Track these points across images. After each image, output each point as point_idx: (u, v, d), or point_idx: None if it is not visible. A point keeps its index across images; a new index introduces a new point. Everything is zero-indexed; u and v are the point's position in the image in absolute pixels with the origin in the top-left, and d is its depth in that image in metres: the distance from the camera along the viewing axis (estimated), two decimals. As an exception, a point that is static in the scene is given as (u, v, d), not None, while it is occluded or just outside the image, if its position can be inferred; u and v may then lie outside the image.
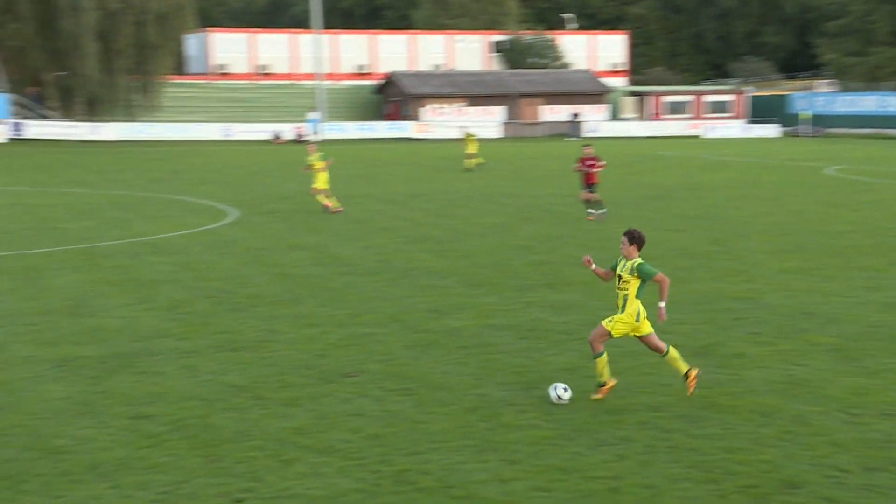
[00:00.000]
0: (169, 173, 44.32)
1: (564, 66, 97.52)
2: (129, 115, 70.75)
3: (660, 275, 10.59)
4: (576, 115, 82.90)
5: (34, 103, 68.33)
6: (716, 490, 8.39)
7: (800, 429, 9.82)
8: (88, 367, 12.29)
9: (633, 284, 10.63)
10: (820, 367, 12.10)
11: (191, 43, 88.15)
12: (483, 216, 28.29)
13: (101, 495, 8.37)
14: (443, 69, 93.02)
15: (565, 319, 14.90)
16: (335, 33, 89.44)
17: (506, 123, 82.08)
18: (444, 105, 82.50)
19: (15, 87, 66.63)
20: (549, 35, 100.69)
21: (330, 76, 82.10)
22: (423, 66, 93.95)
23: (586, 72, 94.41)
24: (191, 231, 25.11)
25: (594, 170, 26.46)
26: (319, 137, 72.49)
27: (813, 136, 79.87)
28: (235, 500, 8.28)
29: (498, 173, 44.79)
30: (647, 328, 10.72)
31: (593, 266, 11.03)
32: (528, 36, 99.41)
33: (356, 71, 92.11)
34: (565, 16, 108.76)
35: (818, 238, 23.16)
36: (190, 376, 11.89)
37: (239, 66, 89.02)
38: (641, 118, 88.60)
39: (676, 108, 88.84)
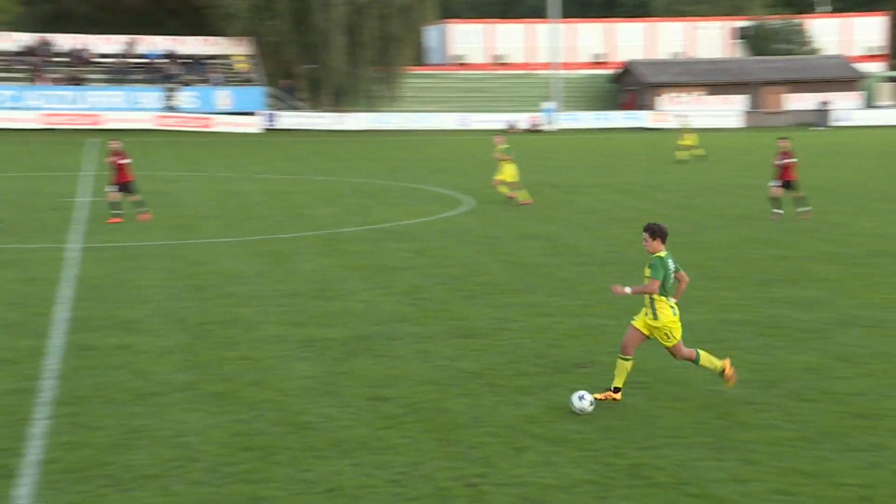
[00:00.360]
0: (407, 162, 45.65)
1: (813, 51, 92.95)
2: (371, 105, 73.38)
3: (654, 281, 10.13)
4: (824, 104, 78.88)
5: (286, 95, 72.08)
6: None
7: None
8: (331, 348, 12.87)
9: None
10: None
11: (430, 34, 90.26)
12: (722, 208, 27.47)
13: (344, 471, 8.75)
14: (681, 57, 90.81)
15: (809, 317, 14.25)
16: (572, 22, 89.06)
17: (747, 112, 79.22)
18: (682, 94, 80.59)
19: (270, 80, 70.47)
20: (797, 19, 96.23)
21: (566, 65, 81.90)
22: (662, 54, 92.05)
23: (838, 57, 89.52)
24: (428, 219, 25.77)
25: (787, 164, 24.69)
26: (554, 127, 72.58)
27: None
28: (468, 484, 8.44)
29: (737, 164, 43.34)
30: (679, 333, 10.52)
31: (627, 290, 10.46)
32: (774, 21, 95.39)
33: (592, 60, 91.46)
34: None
35: None
36: (425, 361, 12.22)
37: (476, 56, 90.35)
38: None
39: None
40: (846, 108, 79.77)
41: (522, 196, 28.35)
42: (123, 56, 69.67)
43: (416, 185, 34.30)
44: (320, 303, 15.61)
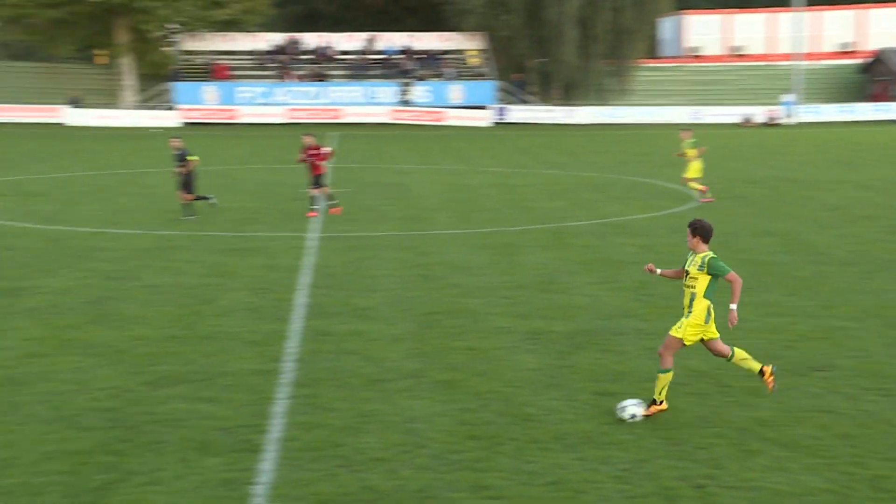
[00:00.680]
0: (637, 156, 44.96)
1: None
2: (601, 99, 72.81)
3: (732, 273, 9.75)
4: None
5: (517, 89, 72.65)
6: None
7: None
8: (557, 341, 12.87)
9: (702, 282, 9.82)
10: None
11: (665, 26, 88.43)
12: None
13: (567, 465, 8.74)
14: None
15: None
16: (818, 10, 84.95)
17: None
18: (940, 83, 75.22)
19: (501, 74, 71.26)
20: None
21: (808, 56, 78.21)
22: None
23: None
24: (657, 214, 25.30)
25: None
26: (793, 120, 69.47)
27: None
28: (696, 485, 8.24)
29: None
30: (713, 331, 9.92)
31: (658, 271, 10.31)
32: None
33: (839, 49, 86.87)
34: None
35: None
36: (651, 357, 11.97)
37: (712, 47, 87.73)
38: None
39: None
40: None
41: (697, 188, 27.55)
42: (363, 53, 72.36)
43: (645, 180, 33.73)
44: (546, 296, 15.63)
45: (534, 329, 13.50)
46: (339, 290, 16.16)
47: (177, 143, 24.42)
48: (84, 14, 67.26)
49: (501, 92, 70.86)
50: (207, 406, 10.38)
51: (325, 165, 25.27)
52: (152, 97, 69.99)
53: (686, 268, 10.01)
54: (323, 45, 72.34)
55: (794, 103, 71.31)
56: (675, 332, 9.92)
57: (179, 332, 13.45)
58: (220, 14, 69.79)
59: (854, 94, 79.26)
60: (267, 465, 8.81)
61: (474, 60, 72.57)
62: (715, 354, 10.17)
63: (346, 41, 73.08)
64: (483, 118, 67.73)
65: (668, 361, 9.90)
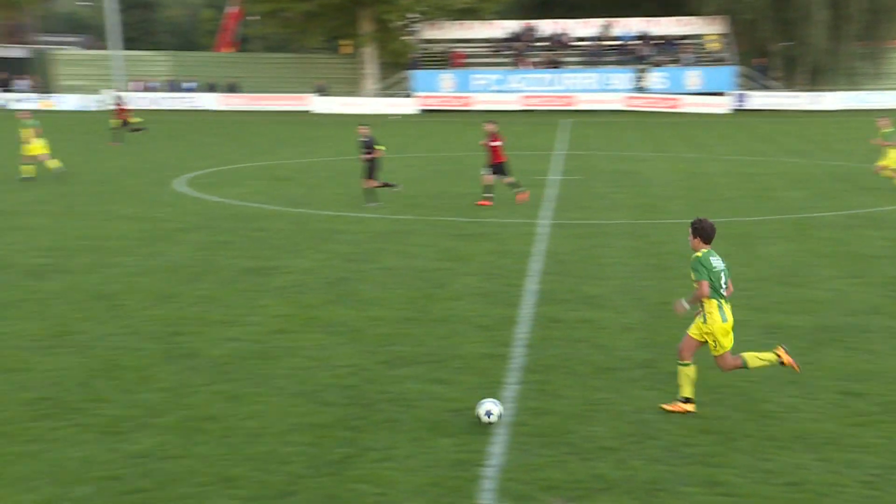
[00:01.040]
0: (891, 144, 42.25)
1: None
2: (852, 83, 68.94)
3: (702, 283, 9.29)
4: None
5: (759, 74, 69.93)
6: None
7: None
8: (797, 336, 12.33)
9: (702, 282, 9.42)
10: None
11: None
12: None
13: (808, 465, 8.37)
14: None
15: None
16: None
17: None
18: None
19: (742, 58, 68.80)
20: None
21: None
22: None
23: None
24: (912, 205, 23.74)
25: None
26: None
27: None
28: (950, 496, 7.69)
29: None
30: (731, 340, 9.57)
31: (684, 302, 9.55)
32: None
33: None
34: None
35: None
36: (904, 358, 11.29)
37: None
38: None
39: None
40: None
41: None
42: (599, 39, 71.74)
43: (899, 169, 31.65)
44: (786, 289, 15.01)
45: (772, 323, 12.99)
46: (570, 277, 16.13)
47: (365, 130, 24.96)
48: (332, 6, 70.31)
49: (741, 77, 68.41)
50: (439, 387, 10.63)
51: (506, 153, 25.18)
52: (392, 85, 72.28)
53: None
54: (558, 31, 72.27)
55: None
56: (716, 352, 9.67)
57: (414, 314, 13.83)
58: (459, 2, 71.08)
59: None
60: (497, 449, 8.93)
61: (713, 45, 70.39)
62: (681, 348, 9.75)
63: (582, 27, 72.64)
64: (721, 105, 65.65)
65: (728, 367, 9.78)
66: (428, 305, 14.33)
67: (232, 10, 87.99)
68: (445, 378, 10.95)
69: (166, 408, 10.03)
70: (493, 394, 10.21)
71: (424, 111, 66.25)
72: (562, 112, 63.41)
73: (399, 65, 72.74)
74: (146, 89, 75.84)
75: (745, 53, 69.58)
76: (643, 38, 70.93)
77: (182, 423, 9.61)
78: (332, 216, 22.95)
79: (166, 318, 13.60)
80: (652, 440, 9.01)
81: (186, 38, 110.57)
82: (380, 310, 14.07)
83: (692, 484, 8.09)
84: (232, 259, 17.72)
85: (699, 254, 9.55)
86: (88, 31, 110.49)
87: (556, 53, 70.75)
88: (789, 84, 70.45)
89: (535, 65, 69.94)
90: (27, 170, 29.71)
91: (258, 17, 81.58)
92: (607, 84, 67.88)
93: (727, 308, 9.62)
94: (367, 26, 72.43)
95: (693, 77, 67.74)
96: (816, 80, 69.43)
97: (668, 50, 70.02)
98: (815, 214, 22.61)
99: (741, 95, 66.87)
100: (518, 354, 11.79)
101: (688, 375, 9.69)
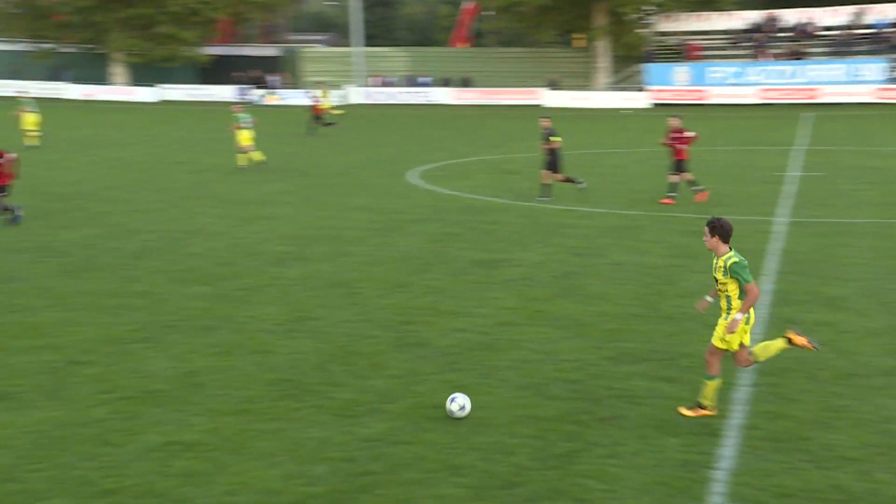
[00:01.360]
0: None
1: None
2: None
3: (751, 284, 8.95)
4: None
5: None
6: None
7: None
8: None
9: (733, 286, 9.08)
10: None
11: None
12: None
13: None
14: None
15: None
16: None
17: None
18: None
19: None
20: None
21: None
22: None
23: None
24: None
25: None
26: None
27: None
28: None
29: None
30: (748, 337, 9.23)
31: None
32: None
33: None
34: None
35: None
36: None
37: None
38: None
39: None
40: None
41: None
42: (848, 28, 68.00)
43: None
44: None
45: None
46: (808, 277, 15.43)
47: (546, 122, 24.78)
48: (567, 0, 70.33)
49: None
50: (667, 386, 10.42)
51: (688, 150, 23.91)
52: (624, 79, 71.40)
53: (713, 274, 9.31)
54: (803, 21, 69.04)
55: None
56: (718, 343, 9.34)
57: (642, 310, 13.63)
58: (698, -7, 69.44)
59: None
60: (727, 451, 8.66)
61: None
62: (737, 358, 9.41)
63: (830, 16, 69.01)
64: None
65: (743, 363, 9.48)
66: (656, 302, 14.08)
67: (468, 5, 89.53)
68: (673, 376, 10.73)
69: (397, 394, 10.34)
70: (724, 395, 9.90)
71: (657, 105, 65.04)
72: (803, 105, 60.61)
73: (632, 58, 71.77)
74: (384, 84, 78.40)
75: None
76: (899, 25, 66.66)
77: (411, 410, 9.87)
78: (560, 210, 22.94)
79: (398, 306, 14.01)
80: (897, 453, 8.49)
81: (424, 35, 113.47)
82: (607, 305, 13.94)
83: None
84: (461, 251, 18.04)
85: (737, 258, 9.14)
86: (334, 29, 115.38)
87: (800, 44, 67.61)
88: None
89: (777, 56, 67.14)
90: (242, 159, 31.92)
91: (493, 13, 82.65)
92: (856, 75, 64.20)
93: (752, 313, 9.33)
94: (600, 19, 71.90)
95: (954, 66, 63.06)
96: None
97: (926, 38, 65.50)
98: None
99: None
100: (751, 356, 11.37)
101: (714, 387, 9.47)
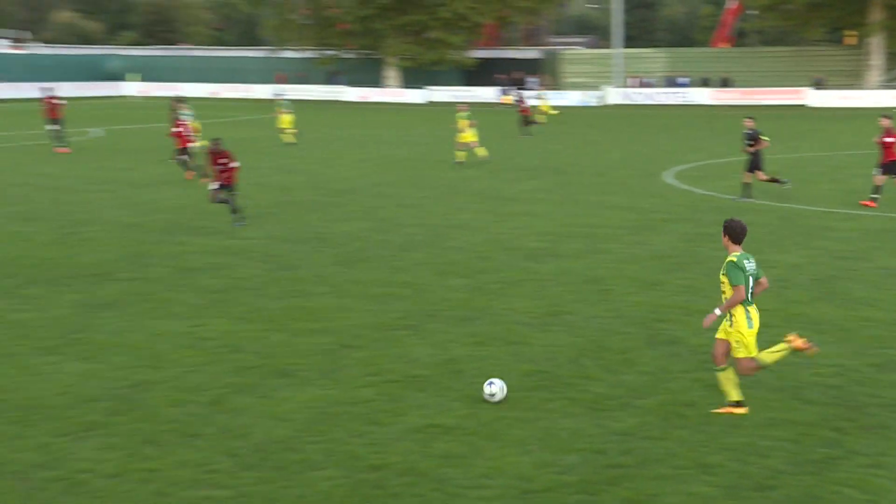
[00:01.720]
0: None
1: None
2: None
3: (739, 287, 8.88)
4: None
5: None
6: None
7: None
8: None
9: (728, 285, 9.05)
10: None
11: None
12: None
13: None
14: None
15: None
16: None
17: None
18: None
19: None
20: None
21: None
22: None
23: None
24: None
25: None
26: None
27: None
28: None
29: None
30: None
31: (717, 312, 9.15)
32: None
33: None
34: None
35: None
36: None
37: None
38: None
39: None
40: None
41: None
42: None
43: None
44: None
45: None
46: None
47: (750, 123, 23.79)
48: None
49: None
50: (937, 397, 9.70)
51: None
52: (898, 77, 66.90)
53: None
54: None
55: None
56: (737, 354, 9.20)
57: (911, 317, 12.74)
58: None
59: None
60: None
61: None
62: (714, 354, 9.42)
63: None
64: None
65: (745, 370, 9.34)
66: (927, 310, 13.12)
67: (731, 5, 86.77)
68: (944, 388, 9.97)
69: (648, 390, 10.21)
70: None
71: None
72: None
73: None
74: (642, 85, 77.35)
75: None
76: None
77: (662, 406, 9.72)
78: (822, 212, 21.82)
79: (650, 304, 13.82)
80: None
81: (683, 35, 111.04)
82: (873, 310, 13.15)
83: None
84: (716, 251, 17.45)
85: (734, 258, 9.14)
86: (594, 31, 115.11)
87: None
88: None
89: None
90: (460, 156, 32.73)
91: (757, 12, 79.59)
92: None
93: (755, 313, 9.22)
94: (876, 14, 67.49)
95: None
96: None
97: None
98: None
99: None
100: None
101: (729, 379, 9.36)
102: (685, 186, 26.76)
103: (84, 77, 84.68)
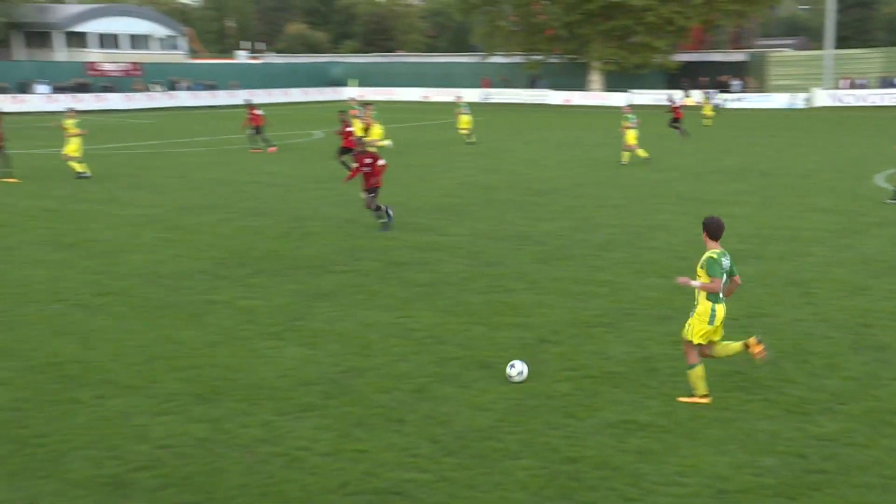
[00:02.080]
0: None
1: None
2: None
3: (715, 280, 9.24)
4: None
5: None
6: None
7: None
8: None
9: (705, 278, 9.33)
10: None
11: None
12: None
13: None
14: None
15: None
16: None
17: None
18: None
19: None
20: None
21: None
22: None
23: None
24: None
25: None
26: None
27: None
28: None
29: None
30: (718, 335, 9.49)
31: (695, 283, 9.40)
32: None
33: None
34: None
35: None
36: None
37: None
38: None
39: None
40: None
41: None
42: None
43: None
44: None
45: None
46: None
47: None
48: None
49: None
50: None
51: None
52: None
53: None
54: None
55: None
56: (684, 333, 9.64)
57: None
58: None
59: None
60: None
61: None
62: (702, 355, 9.65)
63: None
64: None
65: (693, 357, 9.59)
66: None
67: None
68: None
69: (852, 396, 9.68)
70: None
71: None
72: None
73: None
74: (853, 86, 73.26)
75: None
76: None
77: (868, 413, 9.20)
78: None
79: (857, 308, 13.10)
80: None
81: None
82: None
83: None
84: (931, 256, 16.36)
85: (713, 254, 9.40)
86: (804, 32, 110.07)
87: None
88: None
89: None
90: (625, 156, 32.92)
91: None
92: None
93: (720, 312, 9.47)
94: None
95: None
96: None
97: None
98: None
99: None
100: None
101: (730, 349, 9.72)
102: (897, 189, 25.15)
103: (311, 83, 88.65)
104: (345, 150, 29.24)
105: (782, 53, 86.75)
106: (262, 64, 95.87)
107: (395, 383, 10.37)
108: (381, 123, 26.02)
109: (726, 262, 9.48)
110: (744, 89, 77.66)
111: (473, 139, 41.71)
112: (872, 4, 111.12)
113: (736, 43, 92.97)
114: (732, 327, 12.34)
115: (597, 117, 64.06)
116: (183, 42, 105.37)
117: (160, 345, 11.82)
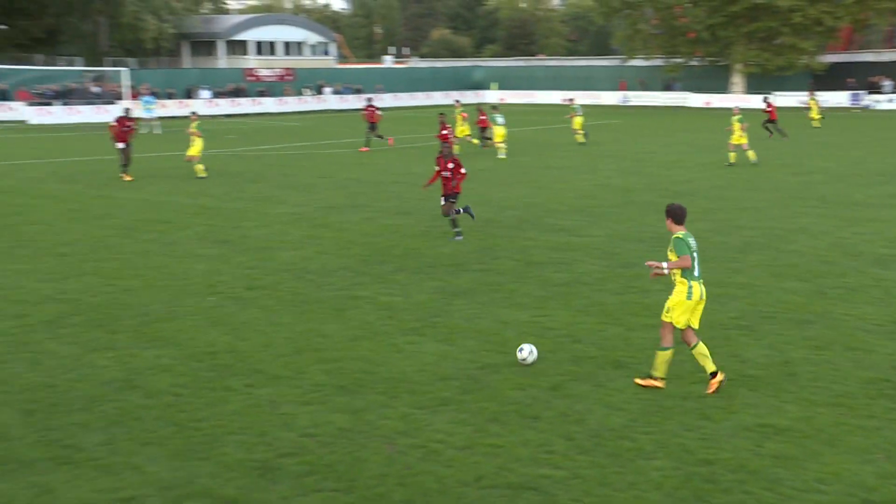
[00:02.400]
0: None
1: None
2: None
3: (685, 256, 9.54)
4: None
5: None
6: None
7: None
8: None
9: (674, 258, 9.61)
10: None
11: None
12: None
13: None
14: None
15: None
16: None
17: None
18: None
19: None
20: None
21: None
22: None
23: None
24: None
25: None
26: None
27: None
28: None
29: None
30: (697, 316, 9.72)
31: (664, 265, 9.60)
32: None
33: None
34: None
35: None
36: None
37: None
38: None
39: None
40: None
41: None
42: None
43: None
44: None
45: None
46: None
47: None
48: None
49: None
50: None
51: None
52: None
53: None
54: None
55: None
56: (663, 316, 9.73)
57: None
58: None
59: None
60: None
61: None
62: (681, 339, 9.77)
63: None
64: None
65: (668, 340, 9.73)
66: None
67: None
68: None
69: None
70: None
71: None
72: None
73: None
74: None
75: None
76: None
77: None
78: None
79: None
80: None
81: None
82: None
83: None
84: None
85: (679, 235, 9.66)
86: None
87: None
88: None
89: None
90: (732, 157, 32.21)
91: None
92: None
93: (697, 288, 9.63)
94: None
95: None
96: None
97: None
98: None
99: None
100: None
101: (701, 353, 9.79)
102: None
103: (454, 87, 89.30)
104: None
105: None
106: (407, 68, 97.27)
107: (531, 380, 10.33)
108: (504, 127, 25.74)
109: (692, 241, 9.78)
110: (893, 90, 73.92)
111: (584, 140, 41.50)
112: None
113: (889, 42, 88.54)
114: (874, 332, 11.74)
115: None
116: (333, 48, 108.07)
117: (306, 338, 12.13)
